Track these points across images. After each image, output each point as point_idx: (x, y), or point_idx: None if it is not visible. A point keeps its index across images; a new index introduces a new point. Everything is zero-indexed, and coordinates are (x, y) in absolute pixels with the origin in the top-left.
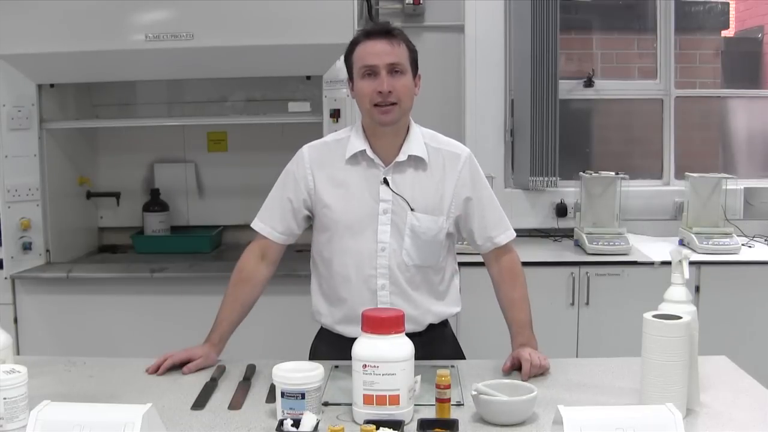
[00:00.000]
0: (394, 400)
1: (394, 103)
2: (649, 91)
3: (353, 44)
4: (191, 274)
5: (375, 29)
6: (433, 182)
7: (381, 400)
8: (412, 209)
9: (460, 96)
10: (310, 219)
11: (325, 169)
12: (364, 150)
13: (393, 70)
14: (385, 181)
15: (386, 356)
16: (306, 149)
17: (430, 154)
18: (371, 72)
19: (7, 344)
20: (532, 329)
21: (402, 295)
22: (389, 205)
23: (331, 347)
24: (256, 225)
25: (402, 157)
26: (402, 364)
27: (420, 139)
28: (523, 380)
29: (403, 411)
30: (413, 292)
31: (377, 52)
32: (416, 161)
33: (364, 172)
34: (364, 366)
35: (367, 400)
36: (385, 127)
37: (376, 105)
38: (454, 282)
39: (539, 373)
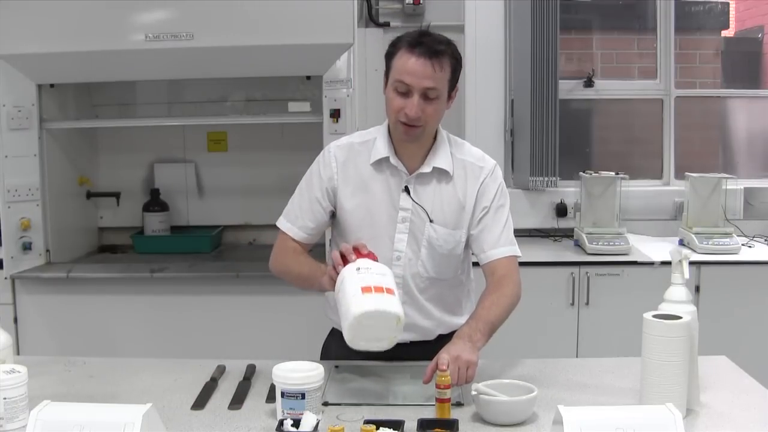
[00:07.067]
0: (391, 293)
1: (418, 125)
2: (649, 91)
3: (396, 46)
4: (191, 274)
5: (423, 43)
6: (455, 196)
7: (379, 290)
8: (431, 220)
9: (461, 96)
10: (334, 214)
11: (349, 171)
12: (388, 157)
13: (427, 95)
14: (407, 190)
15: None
16: (333, 149)
17: (455, 166)
18: (405, 90)
19: (7, 344)
20: (488, 331)
21: (414, 306)
22: (408, 213)
23: (342, 346)
24: (283, 225)
25: (426, 168)
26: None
27: (446, 149)
28: (424, 382)
29: (398, 306)
30: (426, 303)
31: (417, 72)
32: (440, 173)
33: (387, 179)
34: (358, 269)
35: (366, 289)
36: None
37: (400, 121)
38: (471, 297)
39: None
